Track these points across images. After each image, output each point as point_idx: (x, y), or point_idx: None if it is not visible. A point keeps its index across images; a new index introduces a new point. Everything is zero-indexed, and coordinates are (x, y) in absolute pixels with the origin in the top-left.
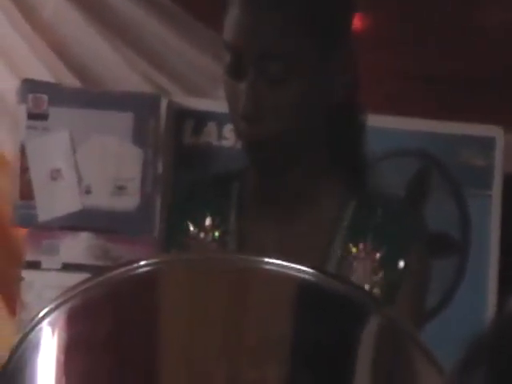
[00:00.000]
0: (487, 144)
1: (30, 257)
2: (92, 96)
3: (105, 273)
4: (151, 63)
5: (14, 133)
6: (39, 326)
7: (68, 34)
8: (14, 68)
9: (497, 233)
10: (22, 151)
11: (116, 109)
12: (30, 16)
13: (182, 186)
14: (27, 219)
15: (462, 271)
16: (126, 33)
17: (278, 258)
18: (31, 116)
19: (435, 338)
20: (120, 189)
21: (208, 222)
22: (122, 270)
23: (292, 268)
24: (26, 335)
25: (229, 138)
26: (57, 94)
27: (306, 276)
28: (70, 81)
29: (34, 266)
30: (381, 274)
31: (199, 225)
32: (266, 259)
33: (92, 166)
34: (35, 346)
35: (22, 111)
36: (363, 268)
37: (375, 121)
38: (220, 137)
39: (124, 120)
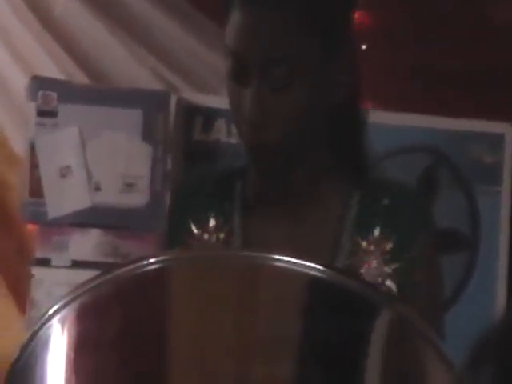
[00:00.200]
0: (496, 140)
1: (39, 254)
2: (101, 93)
3: (114, 270)
4: (160, 60)
5: (24, 130)
6: (49, 324)
7: (78, 31)
8: (23, 65)
9: (506, 229)
10: (32, 148)
11: (125, 106)
12: (40, 13)
13: (182, 186)
14: (37, 216)
15: (472, 268)
16: (135, 29)
17: (287, 255)
18: (41, 113)
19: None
20: (129, 186)
21: (212, 223)
22: (131, 267)
23: (302, 265)
24: (35, 332)
25: None
26: (66, 91)
27: (316, 273)
28: (80, 77)
29: (44, 263)
30: (393, 266)
31: (202, 226)
32: (276, 256)
33: (101, 163)
34: (45, 344)
35: (31, 108)
36: (374, 260)
37: (384, 118)
38: (229, 133)
39: (133, 117)
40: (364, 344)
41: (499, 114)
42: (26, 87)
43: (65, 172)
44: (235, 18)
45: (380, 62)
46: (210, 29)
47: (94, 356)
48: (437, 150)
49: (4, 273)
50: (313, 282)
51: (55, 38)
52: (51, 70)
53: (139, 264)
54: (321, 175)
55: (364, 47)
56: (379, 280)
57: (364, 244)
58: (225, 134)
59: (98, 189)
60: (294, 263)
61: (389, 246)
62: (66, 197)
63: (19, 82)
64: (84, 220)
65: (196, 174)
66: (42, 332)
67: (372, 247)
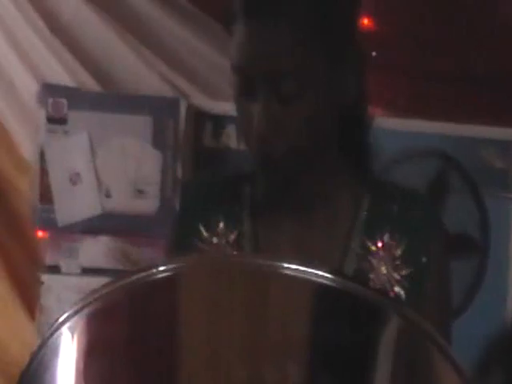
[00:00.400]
0: (506, 146)
1: (49, 261)
2: (111, 99)
3: (124, 277)
4: (171, 66)
5: (34, 137)
6: (59, 331)
7: (87, 38)
8: (33, 72)
9: None
10: (42, 155)
11: (135, 112)
12: (50, 20)
13: (191, 189)
14: (47, 223)
15: (482, 273)
16: (145, 35)
17: (296, 263)
18: (51, 120)
19: (454, 339)
20: (140, 192)
21: (221, 226)
22: (142, 274)
23: (311, 273)
24: (45, 340)
25: None
26: (76, 97)
27: (325, 280)
28: (90, 84)
29: (54, 270)
30: (403, 272)
31: (212, 229)
32: (285, 263)
33: (112, 170)
34: (55, 351)
35: (41, 115)
36: (384, 266)
37: (395, 124)
38: (239, 140)
39: (143, 123)
40: (373, 350)
41: (510, 120)
42: (36, 94)
43: (75, 179)
44: (240, 32)
45: (390, 68)
46: (221, 34)
47: (104, 364)
48: (447, 155)
49: (14, 279)
50: (322, 289)
51: (65, 44)
52: (61, 77)
53: (150, 271)
54: (330, 180)
55: (374, 53)
56: (388, 286)
57: (373, 249)
58: (235, 140)
59: (108, 195)
60: (303, 271)
61: (398, 251)
62: (76, 203)
63: (29, 89)
64: (94, 226)
65: (205, 177)
66: (51, 340)
67: (381, 252)
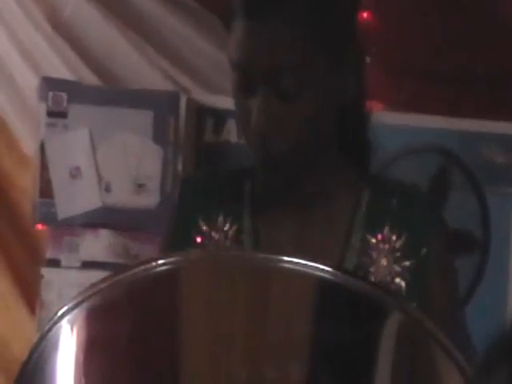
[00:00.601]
0: (508, 141)
1: (50, 255)
2: (111, 94)
3: (124, 271)
4: (171, 61)
5: (35, 131)
6: (59, 325)
7: (88, 32)
8: (34, 66)
9: None
10: (42, 149)
11: (136, 107)
12: (51, 14)
13: (190, 184)
14: (47, 217)
15: (483, 269)
16: (145, 30)
17: (297, 257)
18: (51, 114)
19: None
20: (140, 187)
21: (220, 221)
22: (142, 268)
23: (312, 267)
24: (45, 333)
25: None
26: (76, 91)
27: (326, 275)
28: (90, 78)
29: (54, 264)
30: (403, 264)
31: (211, 224)
32: (287, 258)
33: (112, 164)
34: (55, 345)
35: (41, 109)
36: (384, 259)
37: (396, 119)
38: (239, 135)
39: (144, 118)
40: (374, 345)
41: (511, 115)
42: (36, 88)
43: (75, 173)
44: (239, 30)
45: (391, 63)
46: (223, 31)
47: (103, 357)
48: (448, 150)
49: (15, 274)
50: (323, 283)
51: (66, 41)
52: (62, 71)
53: (150, 265)
54: (330, 177)
55: (374, 49)
56: (388, 278)
57: (373, 242)
58: (235, 135)
59: (108, 190)
60: (304, 265)
61: (398, 244)
62: (76, 198)
63: (30, 83)
64: (94, 221)
65: (205, 172)
66: (51, 333)
67: (381, 246)
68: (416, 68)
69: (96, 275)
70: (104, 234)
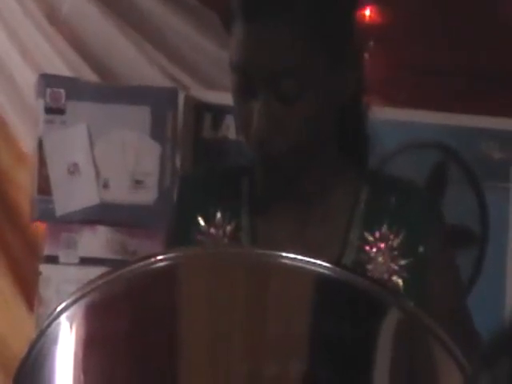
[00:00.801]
0: (506, 137)
1: (48, 251)
2: (109, 90)
3: (123, 267)
4: (169, 57)
5: (33, 127)
6: (57, 321)
7: (86, 29)
8: (32, 63)
9: None
10: (40, 146)
11: (134, 103)
12: (49, 11)
13: (189, 180)
14: (45, 214)
15: (481, 264)
16: (143, 27)
17: (296, 253)
18: (49, 110)
19: None
20: (138, 183)
21: (219, 216)
22: (140, 264)
23: (311, 263)
24: (44, 330)
25: None
26: (74, 88)
27: (325, 271)
28: (88, 75)
29: (52, 260)
30: (400, 262)
31: (210, 220)
32: (285, 254)
33: (110, 161)
34: (53, 341)
35: (39, 106)
36: (382, 256)
37: (395, 114)
38: (238, 133)
39: (142, 114)
40: (373, 342)
41: (509, 111)
42: (34, 85)
43: (73, 169)
44: (239, 31)
45: (390, 58)
46: (219, 26)
47: (102, 353)
48: (446, 146)
49: (13, 270)
50: (321, 280)
51: (64, 35)
52: (60, 68)
53: (148, 261)
54: (329, 173)
55: (373, 44)
56: (386, 276)
57: (371, 240)
58: (233, 131)
59: (106, 186)
60: (304, 261)
61: (396, 241)
62: (74, 194)
63: (28, 80)
64: (92, 217)
65: (203, 169)
66: (50, 329)
67: (379, 243)
68: (415, 63)
69: (94, 271)
70: (102, 231)
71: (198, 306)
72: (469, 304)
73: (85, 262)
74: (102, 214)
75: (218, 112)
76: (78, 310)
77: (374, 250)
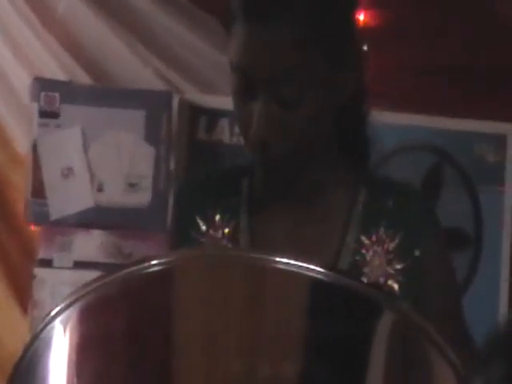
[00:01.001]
0: (499, 140)
1: (42, 255)
2: (104, 93)
3: (117, 271)
4: (164, 60)
5: (27, 130)
6: (51, 325)
7: (80, 32)
8: (27, 65)
9: (509, 228)
10: (35, 149)
11: (128, 106)
12: (43, 13)
13: (189, 182)
14: (40, 217)
15: (475, 267)
16: (138, 29)
17: (292, 256)
18: (43, 114)
19: None
20: (132, 186)
21: (218, 218)
22: (135, 267)
23: (305, 267)
24: (38, 333)
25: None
26: (69, 91)
27: (319, 275)
28: (83, 78)
29: (47, 263)
30: (396, 266)
31: (209, 221)
32: (280, 258)
33: (104, 164)
34: (47, 344)
35: (34, 109)
36: (377, 260)
37: (389, 117)
38: (232, 134)
39: (136, 117)
40: (367, 344)
41: (503, 115)
42: (28, 87)
43: (67, 172)
44: (239, 34)
45: (385, 61)
46: (214, 28)
47: (96, 357)
48: (441, 149)
49: (7, 274)
50: (315, 283)
51: (58, 38)
52: (55, 72)
53: (143, 264)
54: (327, 176)
55: (369, 47)
56: (382, 280)
57: (367, 243)
58: (228, 134)
59: (100, 189)
60: (296, 265)
61: (392, 245)
62: (68, 197)
63: (23, 83)
64: (87, 220)
65: (203, 171)
66: (44, 333)
67: (375, 246)
68: (409, 66)
69: (89, 275)
70: (97, 234)
71: (193, 308)
72: (463, 306)
73: (79, 265)
74: (96, 217)
75: (213, 115)
76: (72, 313)
77: (371, 252)
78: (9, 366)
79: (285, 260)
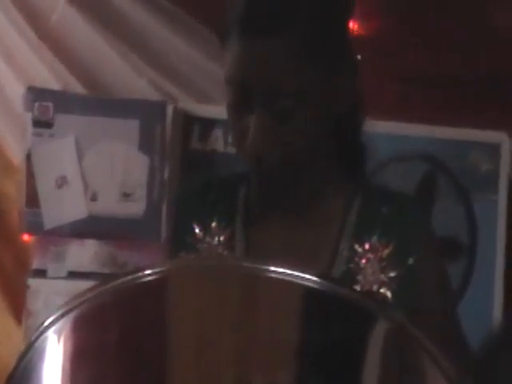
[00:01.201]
0: (493, 149)
1: (36, 265)
2: (98, 103)
3: (111, 280)
4: (158, 69)
5: (21, 139)
6: (45, 335)
7: (74, 41)
8: (20, 75)
9: (503, 237)
10: (28, 158)
11: (122, 116)
12: (37, 23)
13: (186, 190)
14: (34, 227)
15: (469, 275)
16: (132, 39)
17: (283, 266)
18: (37, 124)
19: None
20: (126, 195)
21: (214, 225)
22: (129, 277)
23: (298, 276)
24: (31, 344)
25: None
26: (62, 101)
27: (313, 284)
28: (77, 88)
29: (41, 274)
30: (390, 274)
31: (205, 228)
32: (273, 267)
33: (98, 173)
34: (41, 355)
35: (27, 119)
36: (370, 267)
37: (382, 126)
38: (226, 143)
39: (130, 127)
40: (361, 353)
41: (496, 123)
42: (22, 98)
43: (61, 182)
44: (235, 47)
45: (377, 71)
46: (208, 38)
47: (90, 367)
48: (434, 158)
49: (1, 284)
50: (309, 292)
51: (52, 48)
52: (48, 80)
53: (137, 274)
54: (322, 184)
55: (361, 56)
56: (375, 287)
57: (360, 251)
58: (222, 143)
59: (94, 199)
60: (290, 274)
61: (385, 253)
62: (62, 207)
63: (16, 92)
64: (81, 230)
65: (200, 178)
66: (37, 343)
67: (369, 254)
68: (401, 75)
69: (83, 285)
70: (91, 243)
71: (187, 318)
72: (458, 313)
73: (73, 275)
74: (90, 227)
75: (207, 124)
76: (66, 323)
77: (364, 260)
78: (3, 377)
79: (279, 269)
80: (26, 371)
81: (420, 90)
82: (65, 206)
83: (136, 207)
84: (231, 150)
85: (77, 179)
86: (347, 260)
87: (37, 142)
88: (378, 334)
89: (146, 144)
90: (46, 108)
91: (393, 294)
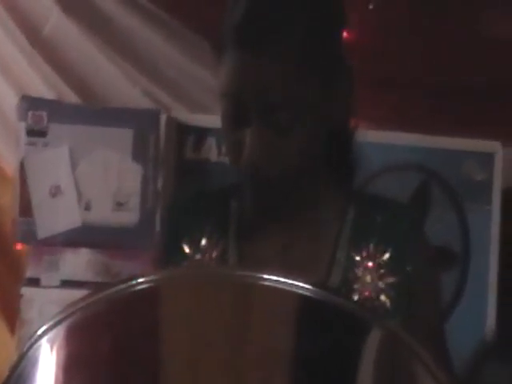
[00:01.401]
0: (486, 159)
1: (30, 274)
2: (92, 112)
3: (105, 289)
4: (151, 79)
5: (15, 149)
6: (38, 344)
7: (68, 51)
8: (13, 84)
9: (496, 246)
10: (22, 168)
11: (116, 125)
12: (30, 33)
13: (176, 204)
14: (27, 236)
15: (462, 284)
16: (125, 48)
17: (278, 275)
18: (30, 133)
19: None
20: (120, 204)
21: (204, 241)
22: (122, 286)
23: (293, 285)
24: (25, 353)
25: None
26: (56, 110)
27: (307, 292)
28: (70, 97)
29: (34, 283)
30: (388, 281)
31: (194, 246)
32: (266, 276)
33: (92, 182)
34: (34, 364)
35: (21, 128)
36: (369, 275)
37: (376, 136)
38: (219, 152)
39: (124, 136)
40: (356, 361)
41: (490, 133)
42: (16, 106)
43: (55, 191)
44: (230, 61)
45: (369, 80)
46: (202, 48)
47: (83, 376)
48: (428, 168)
49: None
50: (303, 301)
51: (45, 57)
52: (41, 89)
53: (130, 283)
54: (317, 194)
55: (355, 65)
56: (373, 295)
57: (358, 259)
58: (215, 152)
59: (88, 208)
60: (284, 282)
61: (383, 260)
62: (56, 216)
63: (10, 101)
64: (74, 239)
65: (190, 191)
66: (31, 352)
67: (366, 262)
68: (394, 84)
69: (76, 294)
70: (84, 253)
71: (180, 326)
72: (450, 324)
73: (67, 284)
74: (84, 236)
75: (200, 134)
76: (59, 332)
77: (361, 269)
78: None
79: (273, 277)
80: (19, 380)
81: (414, 99)
82: (58, 215)
83: (130, 216)
84: (224, 159)
85: (70, 188)
86: (345, 269)
87: (30, 151)
88: (372, 342)
89: (139, 153)
90: (40, 117)
91: (391, 301)
